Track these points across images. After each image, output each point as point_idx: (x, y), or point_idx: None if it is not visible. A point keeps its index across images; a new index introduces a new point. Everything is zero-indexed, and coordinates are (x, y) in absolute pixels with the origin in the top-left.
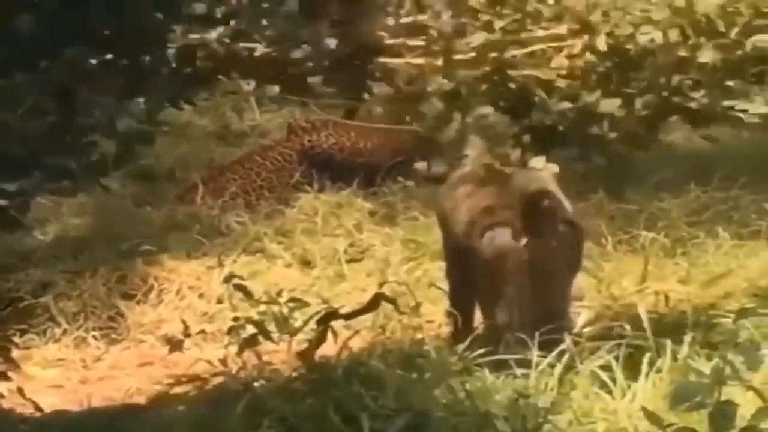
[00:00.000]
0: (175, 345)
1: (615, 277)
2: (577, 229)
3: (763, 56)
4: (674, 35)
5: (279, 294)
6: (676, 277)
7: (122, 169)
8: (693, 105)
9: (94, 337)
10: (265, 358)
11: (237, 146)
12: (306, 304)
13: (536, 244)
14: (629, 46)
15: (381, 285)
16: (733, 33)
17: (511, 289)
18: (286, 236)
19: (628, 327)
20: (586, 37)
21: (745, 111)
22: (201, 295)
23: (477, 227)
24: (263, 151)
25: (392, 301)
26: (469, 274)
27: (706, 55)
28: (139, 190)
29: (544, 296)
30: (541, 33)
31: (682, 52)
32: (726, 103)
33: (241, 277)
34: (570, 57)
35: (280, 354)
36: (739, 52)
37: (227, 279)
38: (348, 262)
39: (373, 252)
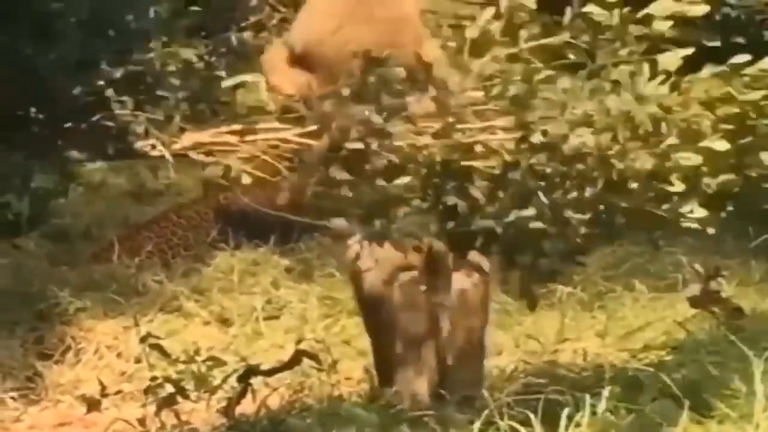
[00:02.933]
0: (92, 405)
1: (533, 332)
2: (485, 275)
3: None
4: (606, 139)
5: (197, 352)
6: (593, 331)
7: (37, 229)
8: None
9: (12, 398)
10: (183, 417)
11: (152, 205)
12: (223, 363)
13: (443, 290)
14: (563, 146)
15: (298, 342)
16: (663, 145)
17: (420, 338)
18: (203, 294)
19: (546, 382)
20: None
21: (682, 216)
22: (119, 355)
23: (385, 275)
24: (179, 210)
25: (314, 357)
26: (382, 326)
27: (642, 161)
28: (54, 250)
29: (457, 346)
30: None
31: (615, 159)
32: (665, 206)
33: (158, 337)
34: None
35: (199, 413)
36: (668, 164)
37: (144, 338)
38: (265, 319)
39: (290, 309)
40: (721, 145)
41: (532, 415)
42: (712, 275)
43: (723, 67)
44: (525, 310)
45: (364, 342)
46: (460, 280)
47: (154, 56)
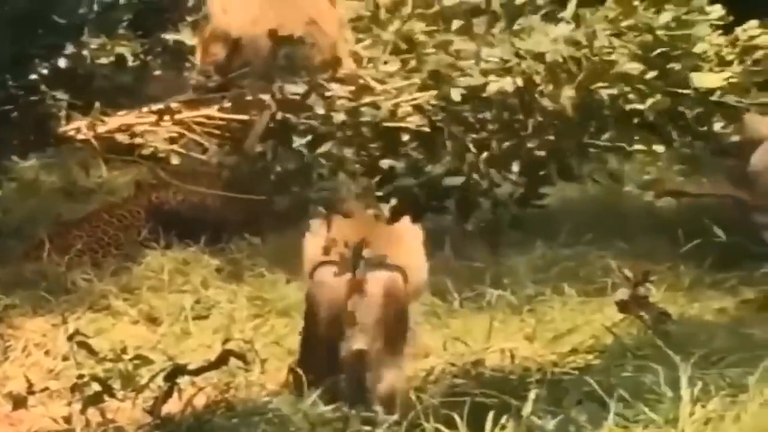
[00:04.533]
0: (19, 402)
1: (461, 334)
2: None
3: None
4: (523, 82)
5: (124, 351)
6: (522, 334)
7: None
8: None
9: None
10: (109, 415)
11: (84, 203)
12: (151, 361)
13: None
14: (484, 95)
15: (226, 342)
16: (576, 81)
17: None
18: (133, 293)
19: (473, 384)
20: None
21: (648, 151)
22: (47, 352)
23: (311, 267)
24: (110, 209)
25: (241, 357)
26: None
27: (566, 95)
28: None
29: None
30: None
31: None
32: (604, 136)
33: (86, 335)
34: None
35: (125, 411)
36: (592, 98)
37: (72, 336)
38: (194, 318)
39: (219, 309)
40: (634, 67)
41: (457, 418)
42: (640, 280)
43: None
44: (453, 312)
45: (293, 342)
46: (381, 279)
47: (86, 52)
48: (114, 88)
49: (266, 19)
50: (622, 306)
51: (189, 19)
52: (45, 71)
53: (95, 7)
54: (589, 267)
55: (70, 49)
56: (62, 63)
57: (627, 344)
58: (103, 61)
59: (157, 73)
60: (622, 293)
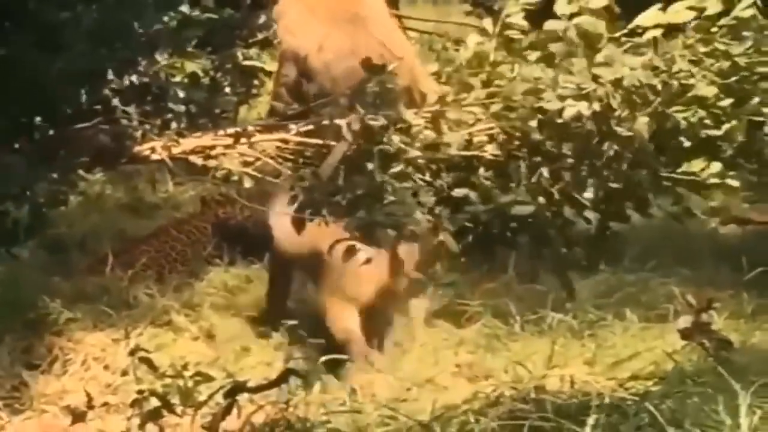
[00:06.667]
0: (77, 416)
1: (522, 358)
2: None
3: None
4: (597, 107)
5: (184, 367)
6: (582, 359)
7: (34, 239)
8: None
9: None
10: (168, 431)
11: (149, 218)
12: (211, 378)
13: None
14: (559, 120)
15: (287, 360)
16: (653, 105)
17: None
18: (194, 309)
19: (532, 408)
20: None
21: (694, 174)
22: (106, 367)
23: None
24: (178, 224)
25: (302, 375)
26: None
27: (642, 121)
28: (49, 260)
29: None
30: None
31: (614, 124)
32: (680, 170)
33: (146, 350)
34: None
35: (183, 428)
36: (668, 124)
37: (133, 351)
38: (255, 336)
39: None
40: (709, 90)
41: None
42: (704, 307)
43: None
44: (514, 335)
45: None
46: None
47: (159, 68)
48: (187, 105)
49: (333, 43)
50: (684, 333)
51: (259, 35)
52: (118, 87)
53: (171, 23)
54: (652, 293)
55: (143, 65)
56: (135, 79)
57: (687, 371)
58: (177, 78)
59: (227, 90)
60: (685, 320)
